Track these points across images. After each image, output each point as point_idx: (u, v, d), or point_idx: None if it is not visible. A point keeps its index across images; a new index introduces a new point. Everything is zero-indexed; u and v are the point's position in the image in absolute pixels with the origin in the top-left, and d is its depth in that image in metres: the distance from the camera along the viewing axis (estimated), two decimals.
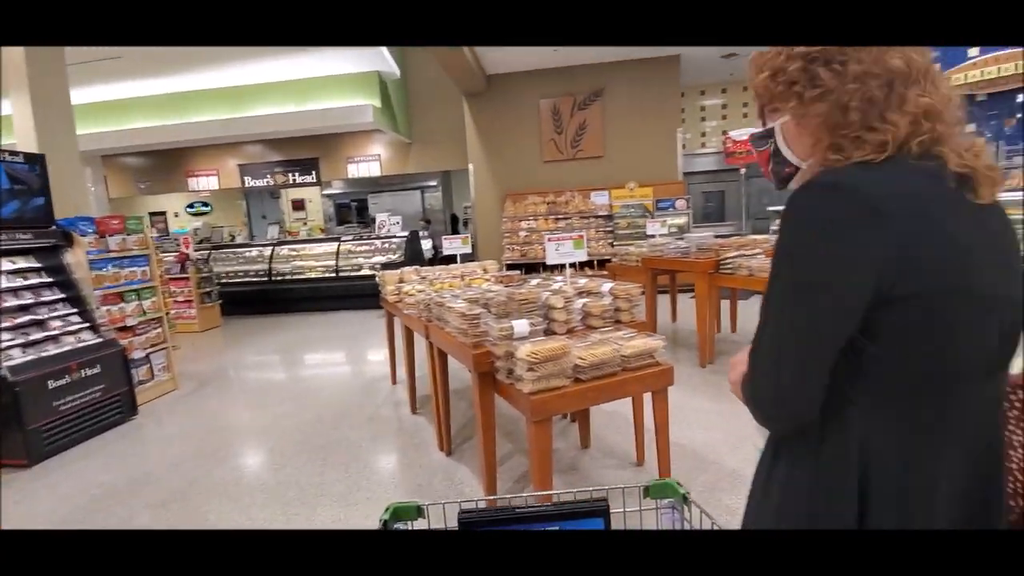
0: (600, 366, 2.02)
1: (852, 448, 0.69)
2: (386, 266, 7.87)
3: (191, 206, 12.54)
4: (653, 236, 5.44)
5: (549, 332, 2.38)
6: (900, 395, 0.68)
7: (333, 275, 8.40)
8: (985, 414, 0.72)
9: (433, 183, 12.13)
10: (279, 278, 8.54)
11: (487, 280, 3.60)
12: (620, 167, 8.63)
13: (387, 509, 0.88)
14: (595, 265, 8.05)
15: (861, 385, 0.68)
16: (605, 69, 8.48)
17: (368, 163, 10.28)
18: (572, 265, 2.85)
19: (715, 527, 0.78)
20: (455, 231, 12.37)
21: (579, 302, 2.47)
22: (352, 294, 8.14)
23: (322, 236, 9.85)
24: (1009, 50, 7.29)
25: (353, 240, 8.89)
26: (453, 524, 0.81)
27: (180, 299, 7.31)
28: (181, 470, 3.14)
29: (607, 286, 2.60)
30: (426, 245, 9.91)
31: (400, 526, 0.88)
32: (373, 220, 9.54)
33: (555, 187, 8.69)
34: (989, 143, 7.36)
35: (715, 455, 2.84)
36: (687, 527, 0.85)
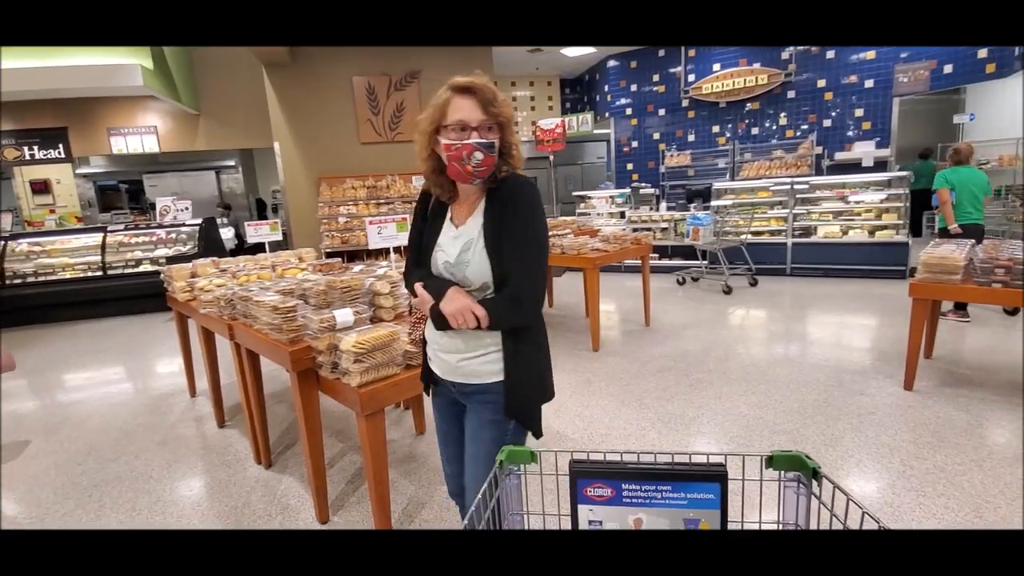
0: None
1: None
2: (174, 260, 6.69)
3: None
4: None
5: (376, 320, 2.27)
6: None
7: (99, 274, 6.85)
8: None
9: (231, 163, 10.66)
10: (17, 282, 6.67)
11: (304, 270, 3.28)
12: None
13: (503, 451, 0.86)
14: None
15: None
16: (419, 52, 8.33)
17: (141, 136, 8.54)
18: (397, 250, 2.75)
19: (850, 504, 0.71)
20: (262, 218, 11.07)
21: (404, 288, 2.39)
22: (128, 295, 6.76)
23: (79, 226, 7.97)
24: (742, 68, 9.14)
25: (127, 230, 7.35)
26: (564, 471, 0.80)
27: None
28: None
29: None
30: (227, 234, 8.70)
31: (513, 468, 0.87)
32: (152, 206, 8.02)
33: (375, 171, 8.32)
34: (729, 141, 9.05)
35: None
36: (814, 505, 0.79)
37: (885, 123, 8.14)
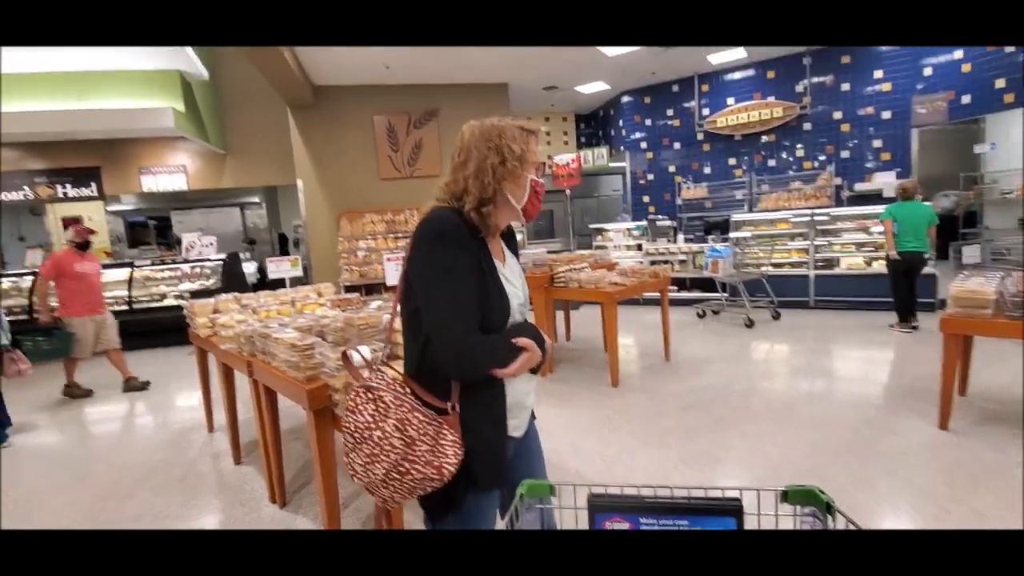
0: None
1: None
2: (197, 294, 6.83)
3: None
4: None
5: (394, 357, 2.26)
6: None
7: (125, 308, 7.02)
8: None
9: (255, 200, 10.97)
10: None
11: (322, 305, 3.32)
12: None
13: (522, 484, 0.88)
14: None
15: None
16: (438, 91, 8.60)
17: (170, 175, 8.88)
18: None
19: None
20: (284, 252, 11.32)
21: None
22: (153, 329, 6.89)
23: (107, 261, 8.22)
24: (756, 101, 9.21)
25: (152, 265, 7.56)
26: (582, 505, 0.82)
27: None
28: None
29: None
30: (249, 269, 8.88)
31: (532, 501, 0.89)
32: (179, 241, 8.25)
33: (393, 205, 8.49)
34: (745, 173, 9.04)
35: (559, 459, 2.97)
36: None
37: (904, 154, 8.08)
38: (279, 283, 8.90)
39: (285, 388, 2.15)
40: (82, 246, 5.03)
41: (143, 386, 5.08)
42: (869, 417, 3.27)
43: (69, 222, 9.81)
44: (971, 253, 5.05)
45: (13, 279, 7.13)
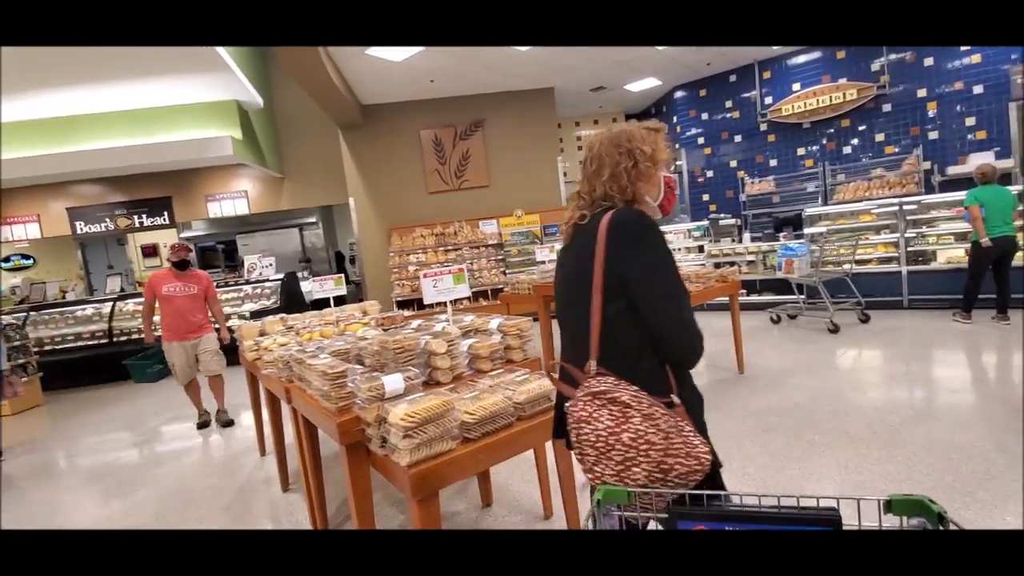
0: (492, 419, 1.72)
1: None
2: (257, 314, 7.00)
3: (6, 260, 10.43)
4: (543, 262, 5.34)
5: (432, 383, 2.04)
6: None
7: None
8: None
9: (312, 220, 11.30)
10: (123, 339, 7.24)
11: (366, 324, 3.17)
12: (506, 195, 8.62)
13: (599, 490, 0.88)
14: (489, 295, 7.87)
15: None
16: (484, 100, 8.50)
17: (233, 201, 9.26)
18: (455, 301, 2.55)
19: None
20: (341, 270, 11.58)
21: (464, 344, 2.17)
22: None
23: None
24: (825, 84, 8.48)
25: (218, 288, 7.84)
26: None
27: None
28: None
29: (495, 322, 2.33)
30: (308, 287, 9.08)
31: (611, 507, 0.87)
32: (243, 263, 8.56)
33: (442, 218, 8.43)
34: (817, 163, 8.30)
35: None
36: None
37: (1003, 131, 7.12)
38: (340, 300, 9.10)
39: (318, 418, 1.98)
40: (179, 265, 4.53)
41: (228, 423, 4.65)
42: (1001, 442, 2.72)
43: (148, 249, 10.49)
44: None
45: (96, 305, 7.61)
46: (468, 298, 7.97)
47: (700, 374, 4.50)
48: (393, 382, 1.71)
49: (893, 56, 7.84)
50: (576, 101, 9.78)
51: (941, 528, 0.69)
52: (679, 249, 7.63)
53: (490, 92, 8.45)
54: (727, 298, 4.37)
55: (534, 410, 1.82)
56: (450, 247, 8.15)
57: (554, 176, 8.83)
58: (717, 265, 6.70)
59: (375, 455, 1.73)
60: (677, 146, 10.19)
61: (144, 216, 9.29)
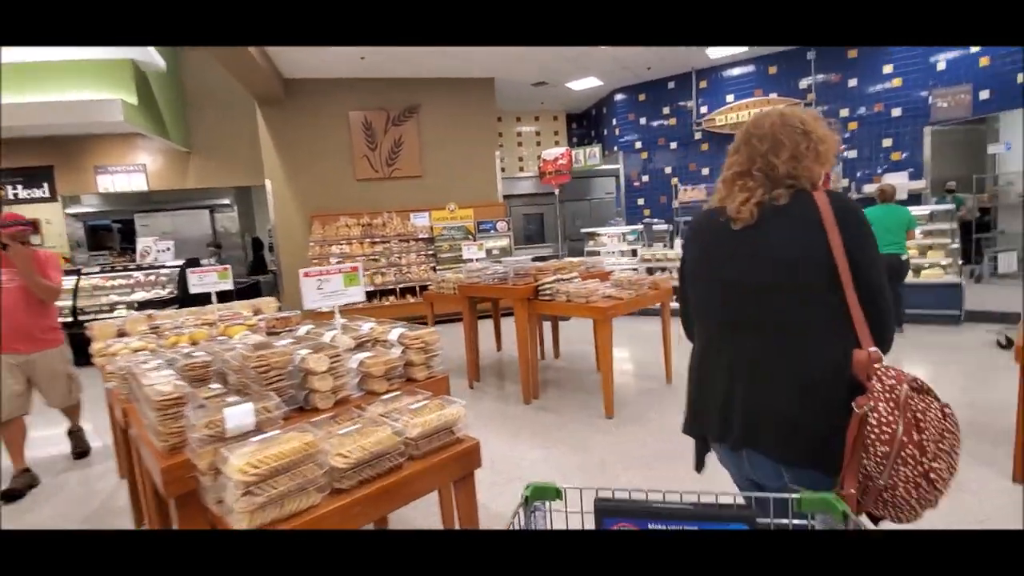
0: (374, 462, 1.36)
1: None
2: (146, 305, 6.19)
3: None
4: (471, 260, 5.00)
5: (311, 409, 1.66)
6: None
7: (70, 320, 6.33)
8: (734, 353, 1.23)
9: (226, 201, 10.30)
10: None
11: (251, 327, 2.69)
12: (440, 188, 8.19)
13: (528, 487, 0.87)
14: (418, 292, 7.43)
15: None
16: (419, 85, 8.02)
17: (128, 175, 8.23)
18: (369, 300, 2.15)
19: None
20: (258, 259, 10.65)
21: (354, 359, 1.79)
22: None
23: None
24: (757, 98, 8.70)
25: (103, 272, 6.88)
26: (589, 509, 0.80)
27: None
28: None
29: (396, 332, 1.96)
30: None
31: (538, 505, 0.87)
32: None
33: (370, 208, 7.88)
34: None
35: None
36: None
37: (917, 153, 7.58)
38: (252, 292, 8.27)
39: (147, 457, 1.53)
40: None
41: (82, 454, 3.61)
42: None
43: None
44: (1007, 262, 4.53)
45: None
46: (394, 294, 7.50)
47: (627, 384, 4.34)
48: (238, 416, 1.31)
49: (821, 76, 8.16)
50: (517, 95, 9.50)
51: (844, 523, 0.77)
52: (613, 252, 7.53)
53: (427, 77, 7.98)
54: (658, 304, 4.23)
55: (431, 446, 1.49)
56: (377, 239, 7.63)
57: (491, 170, 8.50)
58: (650, 270, 6.65)
59: (213, 513, 1.32)
60: (616, 149, 10.17)
61: (20, 187, 8.06)
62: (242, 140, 8.35)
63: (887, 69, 7.70)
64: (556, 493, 0.86)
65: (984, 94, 6.88)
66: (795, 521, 0.80)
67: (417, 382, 1.88)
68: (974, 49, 6.91)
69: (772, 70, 8.56)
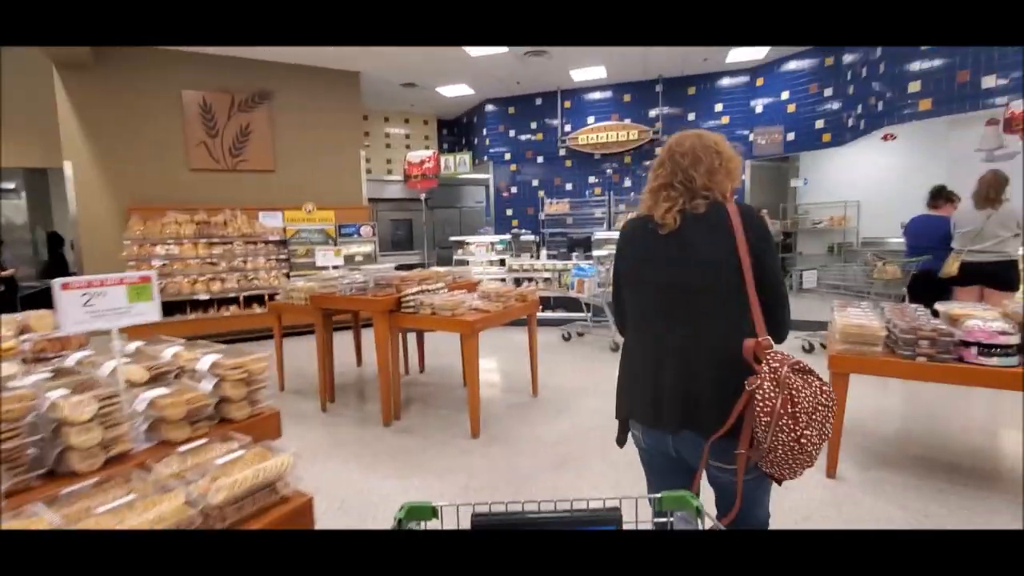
0: None
1: None
2: None
3: None
4: (326, 268, 4.51)
5: (65, 475, 1.21)
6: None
7: None
8: (667, 346, 1.37)
9: (10, 186, 8.31)
10: None
11: (11, 351, 2.03)
12: (296, 185, 7.43)
13: (401, 508, 0.88)
14: (265, 301, 6.61)
15: None
16: (273, 69, 7.21)
17: None
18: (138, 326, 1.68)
19: None
20: (57, 258, 8.72)
21: (142, 399, 1.37)
22: None
23: None
24: (614, 122, 9.33)
25: None
26: (466, 525, 0.81)
27: None
28: None
29: (208, 360, 1.56)
30: None
31: (413, 526, 0.87)
32: None
33: (209, 203, 6.84)
34: (604, 192, 9.04)
35: None
36: None
37: (740, 184, 8.71)
38: (43, 300, 6.67)
39: None
40: None
41: None
42: None
43: None
44: (811, 279, 5.30)
45: None
46: (236, 303, 6.59)
47: (494, 399, 4.23)
48: None
49: (667, 108, 9.00)
50: (385, 93, 9.05)
51: (698, 517, 0.85)
52: (481, 262, 7.46)
53: (282, 61, 7.21)
54: (527, 317, 4.19)
55: (241, 515, 1.15)
56: (216, 239, 6.64)
57: (356, 171, 7.94)
58: (517, 280, 6.68)
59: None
60: (486, 159, 10.20)
61: None
62: (37, 111, 6.76)
63: (718, 107, 8.76)
64: (432, 512, 0.88)
65: (791, 136, 8.14)
66: (656, 520, 0.88)
67: (235, 423, 1.51)
68: (784, 95, 8.15)
69: (627, 98, 9.24)
